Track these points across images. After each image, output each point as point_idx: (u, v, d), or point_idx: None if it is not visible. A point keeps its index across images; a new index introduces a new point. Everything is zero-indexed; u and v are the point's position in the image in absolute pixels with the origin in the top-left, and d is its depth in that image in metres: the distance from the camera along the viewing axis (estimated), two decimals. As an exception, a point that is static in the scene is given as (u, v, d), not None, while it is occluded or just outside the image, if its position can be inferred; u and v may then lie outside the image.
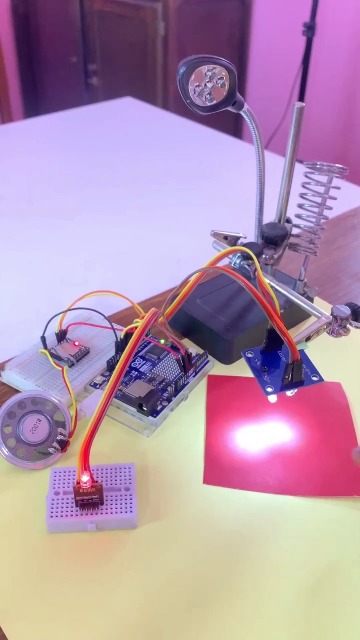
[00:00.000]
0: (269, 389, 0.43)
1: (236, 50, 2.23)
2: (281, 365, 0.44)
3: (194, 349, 0.54)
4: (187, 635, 0.36)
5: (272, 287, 0.48)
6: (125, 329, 0.51)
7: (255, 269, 0.44)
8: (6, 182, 0.93)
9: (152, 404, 0.48)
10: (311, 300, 0.57)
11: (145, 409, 0.48)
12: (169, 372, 0.52)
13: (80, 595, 0.37)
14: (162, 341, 0.55)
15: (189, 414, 0.50)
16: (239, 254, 0.50)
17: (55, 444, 0.45)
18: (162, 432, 0.49)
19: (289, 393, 0.44)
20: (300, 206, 0.53)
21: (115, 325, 0.54)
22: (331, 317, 0.46)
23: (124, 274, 0.72)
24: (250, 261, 0.50)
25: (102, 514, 0.41)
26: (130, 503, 0.41)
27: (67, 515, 0.41)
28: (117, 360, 0.44)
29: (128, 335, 0.50)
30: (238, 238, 0.53)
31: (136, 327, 0.45)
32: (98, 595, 0.37)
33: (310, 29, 1.86)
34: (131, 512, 0.41)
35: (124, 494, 0.42)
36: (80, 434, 0.47)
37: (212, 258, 0.46)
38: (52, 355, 0.52)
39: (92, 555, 0.40)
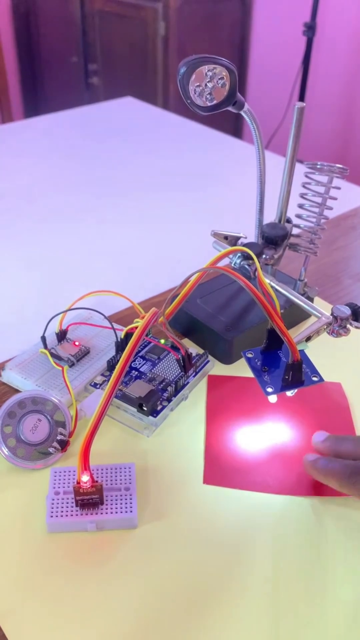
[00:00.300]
0: (269, 389, 0.43)
1: (236, 50, 2.24)
2: (281, 365, 0.44)
3: (194, 349, 0.54)
4: (187, 635, 0.36)
5: (272, 287, 0.48)
6: (125, 329, 0.51)
7: (256, 269, 0.44)
8: (6, 182, 0.93)
9: (152, 404, 0.48)
10: (311, 300, 0.57)
11: (145, 409, 0.48)
12: (169, 372, 0.52)
13: (80, 595, 0.37)
14: (162, 341, 0.55)
15: (189, 414, 0.50)
16: (239, 254, 0.50)
17: (55, 444, 0.45)
18: (162, 432, 0.49)
19: (289, 393, 0.44)
20: (301, 206, 0.53)
21: (116, 325, 0.54)
22: (331, 317, 0.46)
23: (124, 274, 0.72)
24: (250, 261, 0.50)
25: (102, 513, 0.41)
26: (130, 503, 0.41)
27: (67, 515, 0.41)
28: (118, 360, 0.44)
29: (128, 335, 0.50)
30: (238, 238, 0.53)
31: (136, 327, 0.45)
32: (98, 595, 0.37)
33: (310, 29, 1.86)
34: (131, 512, 0.41)
35: (124, 493, 0.42)
36: (80, 433, 0.47)
37: (213, 258, 0.46)
38: (52, 355, 0.52)
39: (92, 555, 0.40)
